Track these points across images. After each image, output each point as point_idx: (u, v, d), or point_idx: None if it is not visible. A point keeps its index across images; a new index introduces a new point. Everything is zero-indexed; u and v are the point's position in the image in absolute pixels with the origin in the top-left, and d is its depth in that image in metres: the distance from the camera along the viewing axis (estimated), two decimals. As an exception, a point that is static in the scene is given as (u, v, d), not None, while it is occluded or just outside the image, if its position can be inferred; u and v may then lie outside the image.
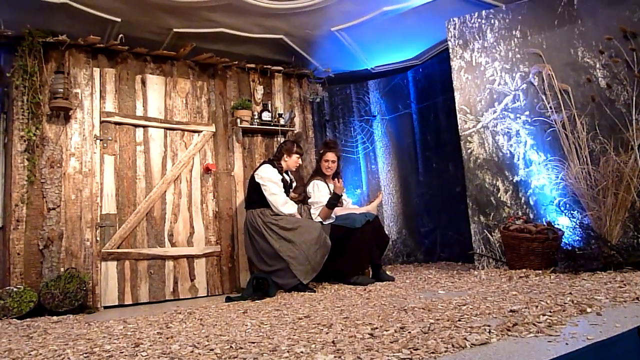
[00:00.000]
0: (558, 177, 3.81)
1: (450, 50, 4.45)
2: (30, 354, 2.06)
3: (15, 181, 3.69)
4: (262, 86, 4.91)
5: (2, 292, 3.39)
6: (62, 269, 3.70)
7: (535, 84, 4.04)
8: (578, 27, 3.88)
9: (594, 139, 3.73)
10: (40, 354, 2.05)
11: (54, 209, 3.78)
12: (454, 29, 4.44)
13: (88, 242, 3.85)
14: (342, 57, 5.30)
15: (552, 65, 3.95)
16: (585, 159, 3.71)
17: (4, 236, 3.73)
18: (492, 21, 4.26)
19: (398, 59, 5.61)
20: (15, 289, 3.43)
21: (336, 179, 4.35)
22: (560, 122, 3.85)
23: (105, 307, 3.85)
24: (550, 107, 3.92)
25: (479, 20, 4.32)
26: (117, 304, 3.90)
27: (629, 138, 3.55)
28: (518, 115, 4.10)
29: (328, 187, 4.35)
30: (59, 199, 3.81)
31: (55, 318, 3.33)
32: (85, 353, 2.00)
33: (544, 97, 3.97)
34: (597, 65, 3.79)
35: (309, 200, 4.33)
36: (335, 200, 4.20)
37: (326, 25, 4.53)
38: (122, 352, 1.97)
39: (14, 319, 3.27)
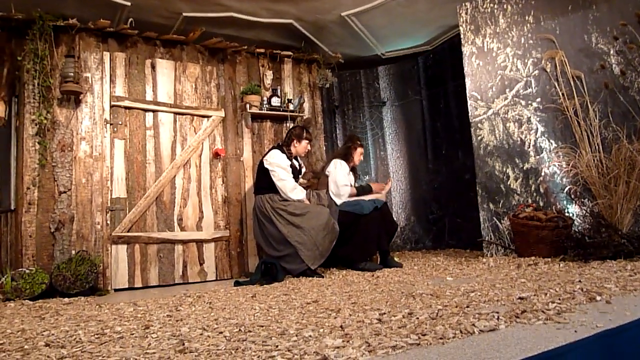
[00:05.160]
0: (569, 164, 3.78)
1: (462, 36, 4.39)
2: (42, 334, 2.10)
3: (27, 164, 3.72)
4: (271, 71, 4.89)
5: (14, 273, 3.44)
6: (73, 252, 3.75)
7: (548, 70, 3.98)
8: (592, 13, 3.81)
9: (606, 127, 3.68)
10: (53, 334, 2.09)
11: (65, 192, 3.81)
12: (466, 14, 4.38)
13: (99, 225, 3.89)
14: (352, 43, 5.26)
15: (565, 51, 3.89)
16: (597, 147, 3.67)
17: (16, 219, 3.78)
18: (505, 6, 4.20)
19: (408, 44, 5.55)
20: (27, 271, 3.48)
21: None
22: (573, 109, 3.80)
23: (116, 290, 3.89)
24: (563, 94, 3.87)
25: (492, 5, 4.26)
26: (127, 286, 3.95)
27: (643, 126, 3.50)
28: (529, 102, 4.06)
29: (349, 169, 4.43)
30: (70, 182, 3.85)
31: (66, 300, 3.38)
32: (97, 334, 2.03)
33: (556, 84, 3.92)
34: (612, 52, 3.73)
35: (332, 177, 4.32)
36: (365, 192, 4.38)
37: (336, 10, 4.49)
38: (133, 334, 2.00)
39: (27, 300, 3.32)
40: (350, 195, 4.29)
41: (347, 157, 4.45)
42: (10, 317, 2.66)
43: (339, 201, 4.25)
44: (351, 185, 4.39)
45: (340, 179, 4.29)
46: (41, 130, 3.78)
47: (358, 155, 4.49)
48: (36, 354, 1.74)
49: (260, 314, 2.27)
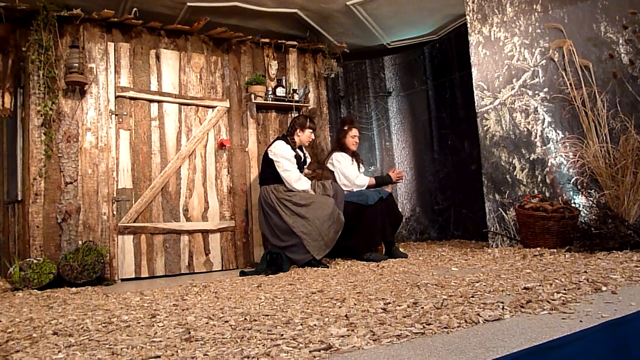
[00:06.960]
0: (576, 155, 3.75)
1: (469, 25, 4.35)
2: (50, 323, 2.12)
3: (33, 155, 3.74)
4: (276, 61, 4.87)
5: (22, 263, 3.47)
6: (80, 242, 3.77)
7: (555, 59, 3.94)
8: (601, 1, 3.76)
9: (614, 117, 3.64)
10: (60, 323, 2.11)
11: (71, 183, 3.83)
12: (473, 2, 4.33)
13: (105, 216, 3.91)
14: (358, 32, 5.23)
15: (573, 40, 3.85)
16: (604, 137, 3.63)
17: (23, 209, 3.81)
18: (512, -6, 4.15)
19: (414, 34, 5.51)
20: (35, 261, 3.51)
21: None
22: (580, 99, 3.77)
23: (123, 280, 3.92)
24: (570, 84, 3.83)
25: (499, -7, 4.21)
26: (133, 276, 3.98)
27: (651, 116, 3.46)
28: (536, 91, 4.02)
29: (351, 157, 4.43)
30: (76, 173, 3.86)
31: (74, 289, 3.41)
32: (104, 323, 2.05)
33: (563, 74, 3.88)
34: (620, 41, 3.68)
35: (339, 173, 4.34)
36: (383, 182, 4.38)
37: (342, -1, 4.46)
38: (140, 323, 2.02)
39: (35, 290, 3.35)
40: (369, 185, 4.30)
41: (342, 147, 4.44)
42: (18, 306, 2.69)
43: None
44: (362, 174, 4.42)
45: (348, 173, 4.30)
46: (47, 121, 3.79)
47: (352, 139, 4.44)
48: (44, 342, 1.76)
49: (266, 304, 2.28)
